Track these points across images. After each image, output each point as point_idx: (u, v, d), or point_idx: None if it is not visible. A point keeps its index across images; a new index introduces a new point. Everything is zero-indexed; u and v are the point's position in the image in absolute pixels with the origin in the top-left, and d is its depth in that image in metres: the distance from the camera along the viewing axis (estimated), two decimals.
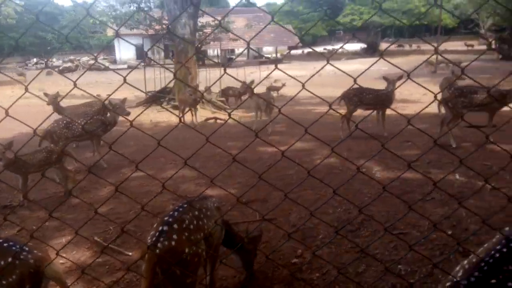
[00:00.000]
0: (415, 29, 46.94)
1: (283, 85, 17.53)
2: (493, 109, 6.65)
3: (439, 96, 7.48)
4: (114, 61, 42.43)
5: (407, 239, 4.07)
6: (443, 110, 7.01)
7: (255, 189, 5.49)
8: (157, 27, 15.19)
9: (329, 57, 2.01)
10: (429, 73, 21.86)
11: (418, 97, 14.31)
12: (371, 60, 36.29)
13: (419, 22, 41.11)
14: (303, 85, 1.87)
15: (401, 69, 2.07)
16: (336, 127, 8.42)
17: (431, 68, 23.65)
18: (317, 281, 3.49)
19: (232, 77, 2.24)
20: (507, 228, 2.28)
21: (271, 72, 2.39)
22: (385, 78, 7.76)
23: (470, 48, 38.21)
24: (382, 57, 1.91)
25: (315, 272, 3.64)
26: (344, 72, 2.03)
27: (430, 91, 2.15)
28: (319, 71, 2.00)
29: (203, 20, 17.01)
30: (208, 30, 16.19)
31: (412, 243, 3.81)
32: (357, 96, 7.80)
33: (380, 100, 7.75)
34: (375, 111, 8.10)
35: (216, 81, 2.61)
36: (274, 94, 16.63)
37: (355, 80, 1.98)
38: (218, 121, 10.91)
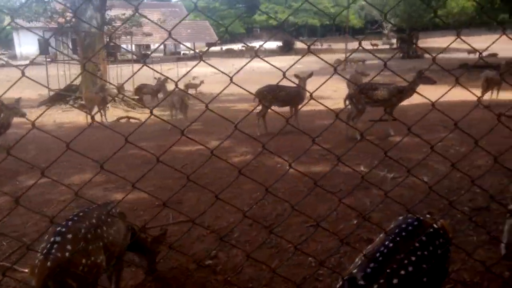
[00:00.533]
0: (326, 28, 49.58)
1: (202, 82, 17.33)
2: (393, 104, 7.21)
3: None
4: (14, 57, 38.43)
5: (317, 231, 4.23)
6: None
7: (169, 191, 5.31)
8: (60, 19, 13.99)
9: (255, 55, 1.95)
10: (340, 71, 23.17)
11: (329, 94, 15.14)
12: (288, 57, 37.54)
13: (329, 22, 43.54)
14: (231, 79, 1.77)
15: (329, 63, 2.08)
16: (253, 124, 8.50)
17: (341, 66, 25.17)
18: (232, 281, 3.46)
19: (155, 70, 2.07)
20: (400, 218, 2.43)
21: (194, 67, 2.25)
22: (296, 76, 8.01)
23: (375, 47, 41.40)
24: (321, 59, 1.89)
25: (230, 272, 3.60)
26: (277, 67, 1.99)
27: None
28: (243, 66, 1.93)
29: (113, 13, 16.09)
30: (118, 23, 15.30)
31: (321, 234, 3.96)
32: (271, 94, 7.95)
33: (292, 97, 7.99)
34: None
35: (130, 77, 2.41)
36: (193, 91, 16.36)
37: (284, 74, 1.93)
38: (132, 120, 10.40)
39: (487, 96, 10.16)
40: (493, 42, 2.20)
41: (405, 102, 8.98)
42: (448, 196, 4.80)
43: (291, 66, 2.16)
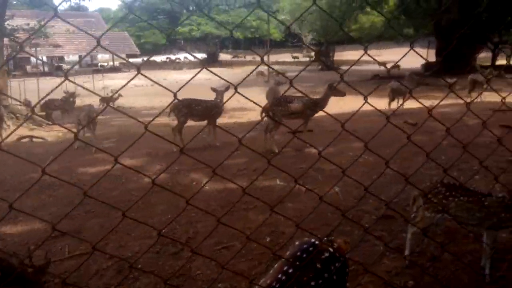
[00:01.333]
0: (250, 41, 50.54)
1: (119, 95, 16.41)
2: (307, 116, 7.34)
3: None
4: None
5: (229, 252, 4.04)
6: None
7: (68, 219, 4.78)
8: None
9: (181, 67, 1.68)
10: (263, 83, 23.56)
11: (253, 106, 15.15)
12: (213, 69, 37.44)
13: (251, 35, 44.42)
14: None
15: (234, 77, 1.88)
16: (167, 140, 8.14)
17: (264, 78, 25.62)
18: None
19: (77, 84, 1.71)
20: (296, 243, 2.32)
21: (131, 79, 1.93)
22: (213, 89, 7.84)
23: (296, 59, 43.03)
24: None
25: None
26: (220, 77, 1.73)
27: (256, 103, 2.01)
28: (189, 80, 1.67)
29: (16, 22, 14.70)
30: (22, 34, 14.00)
31: (233, 256, 3.78)
32: (186, 108, 7.69)
33: (209, 111, 7.80)
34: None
35: (51, 91, 2.02)
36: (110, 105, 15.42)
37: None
38: (35, 140, 9.43)
39: (393, 105, 10.89)
40: (403, 56, 2.22)
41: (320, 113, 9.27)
42: (358, 205, 4.91)
43: (193, 76, 1.96)
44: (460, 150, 1.76)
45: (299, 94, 9.40)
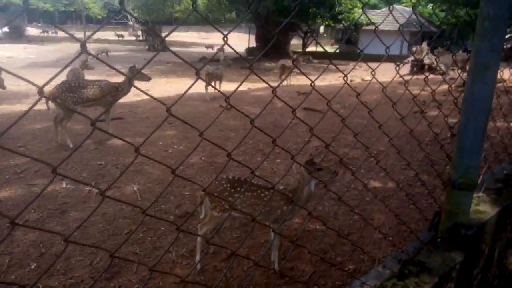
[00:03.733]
0: (66, 15, 44.54)
1: None
2: (108, 102, 6.41)
3: None
4: None
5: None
6: (52, 106, 6.21)
7: None
8: None
9: None
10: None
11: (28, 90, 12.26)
12: (17, 46, 31.58)
13: (64, 8, 39.08)
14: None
15: None
16: None
17: (83, 57, 22.79)
18: None
19: None
20: None
21: None
22: None
23: (120, 38, 39.98)
24: None
25: None
26: None
27: None
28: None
29: None
30: None
31: None
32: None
33: None
34: None
35: None
36: None
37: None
38: None
39: (211, 90, 10.77)
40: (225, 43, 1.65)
41: (126, 99, 8.41)
42: (157, 204, 4.39)
43: None
44: (273, 135, 1.36)
45: (98, 78, 8.31)
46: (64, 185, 4.79)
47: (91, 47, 26.88)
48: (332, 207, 4.43)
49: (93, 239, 3.70)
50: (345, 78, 1.78)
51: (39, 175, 5.14)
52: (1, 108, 9.16)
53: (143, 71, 7.02)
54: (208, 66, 9.95)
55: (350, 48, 29.00)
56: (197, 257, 3.30)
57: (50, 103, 6.08)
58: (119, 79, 6.86)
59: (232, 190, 3.07)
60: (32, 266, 3.26)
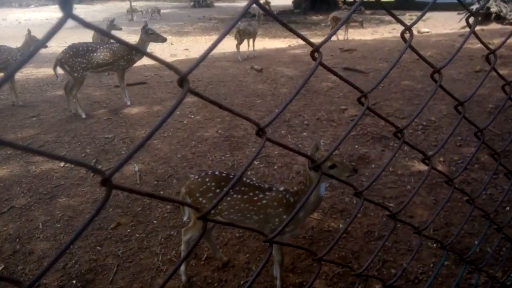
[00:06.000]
0: None
1: None
2: (121, 67, 5.84)
3: None
4: None
5: None
6: (61, 72, 5.72)
7: None
8: None
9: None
10: (127, 22, 20.66)
11: None
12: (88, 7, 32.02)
13: None
14: None
15: None
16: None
17: (128, 17, 22.55)
18: None
19: None
20: None
21: None
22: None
23: None
24: None
25: None
26: None
27: None
28: None
29: None
30: None
31: None
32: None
33: None
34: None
35: None
36: None
37: None
38: None
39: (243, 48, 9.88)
40: None
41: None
42: (156, 189, 3.83)
43: None
44: (302, 101, 0.62)
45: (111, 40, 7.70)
46: (62, 164, 4.36)
47: (139, 5, 26.48)
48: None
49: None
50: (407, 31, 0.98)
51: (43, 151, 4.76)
52: (38, 71, 8.98)
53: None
54: (239, 22, 9.01)
55: None
56: (182, 267, 2.69)
57: (59, 70, 5.60)
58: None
59: (218, 190, 2.37)
60: None
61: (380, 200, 3.53)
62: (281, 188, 2.42)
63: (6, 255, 2.99)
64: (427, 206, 3.44)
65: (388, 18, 17.51)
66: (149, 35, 5.82)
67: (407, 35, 1.08)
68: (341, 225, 3.24)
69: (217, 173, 2.44)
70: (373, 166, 4.13)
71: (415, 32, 13.89)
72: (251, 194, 2.33)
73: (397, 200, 3.52)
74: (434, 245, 2.98)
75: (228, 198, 2.36)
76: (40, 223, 3.35)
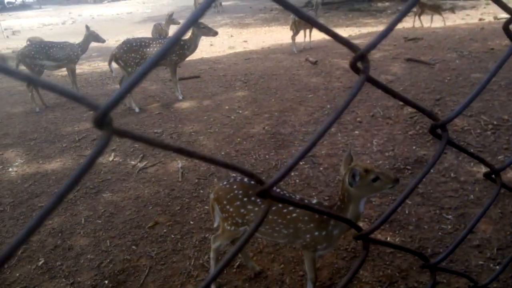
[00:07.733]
0: None
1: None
2: (173, 62, 5.87)
3: None
4: None
5: None
6: (115, 66, 5.86)
7: None
8: None
9: None
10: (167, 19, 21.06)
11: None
12: (137, 1, 33.69)
13: None
14: None
15: None
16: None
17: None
18: None
19: None
20: None
21: None
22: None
23: None
24: None
25: None
26: None
27: None
28: None
29: None
30: None
31: None
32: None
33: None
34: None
35: None
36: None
37: None
38: None
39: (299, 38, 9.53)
40: None
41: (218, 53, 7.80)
42: (195, 188, 3.76)
43: None
44: (356, 95, 0.48)
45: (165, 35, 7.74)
46: (111, 158, 4.47)
47: None
48: (414, 206, 3.23)
49: (114, 231, 3.26)
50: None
51: (95, 144, 4.93)
52: (104, 65, 9.40)
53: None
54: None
55: None
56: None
57: (114, 65, 5.76)
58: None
59: (245, 199, 2.21)
60: (40, 263, 2.94)
61: (437, 210, 3.14)
62: (314, 201, 2.18)
63: (48, 249, 3.09)
64: (491, 219, 3.00)
65: (461, 3, 15.99)
66: (201, 29, 5.77)
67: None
68: (388, 238, 2.92)
69: (245, 180, 2.27)
70: (431, 171, 3.71)
71: (490, 18, 12.44)
72: (280, 205, 2.13)
73: (456, 212, 3.11)
74: (497, 266, 2.57)
75: (256, 209, 2.18)
76: (83, 218, 3.43)
